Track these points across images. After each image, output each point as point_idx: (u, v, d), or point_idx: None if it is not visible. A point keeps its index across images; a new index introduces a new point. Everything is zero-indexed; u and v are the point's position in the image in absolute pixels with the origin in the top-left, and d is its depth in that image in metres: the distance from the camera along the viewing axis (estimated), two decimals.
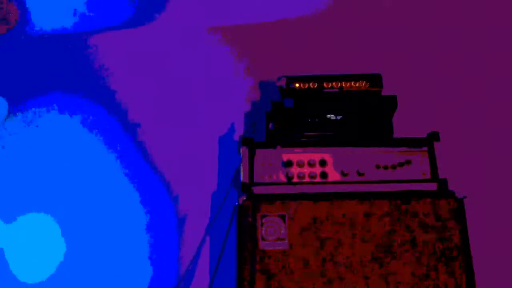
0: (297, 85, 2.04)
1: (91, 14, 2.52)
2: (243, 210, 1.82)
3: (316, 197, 1.83)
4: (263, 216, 1.81)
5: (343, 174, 1.89)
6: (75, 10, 2.52)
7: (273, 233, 1.79)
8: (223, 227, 2.00)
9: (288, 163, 1.91)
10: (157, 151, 2.27)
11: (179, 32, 2.48)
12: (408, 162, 1.90)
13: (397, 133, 1.98)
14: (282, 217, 1.81)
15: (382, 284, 1.73)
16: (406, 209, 1.80)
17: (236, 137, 2.26)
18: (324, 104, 2.02)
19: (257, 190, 1.86)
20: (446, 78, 2.30)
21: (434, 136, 1.91)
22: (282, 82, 2.04)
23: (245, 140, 1.93)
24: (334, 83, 2.03)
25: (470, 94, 2.26)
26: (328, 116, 2.01)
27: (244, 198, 1.83)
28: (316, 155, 1.92)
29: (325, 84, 2.03)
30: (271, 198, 1.83)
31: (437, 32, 2.39)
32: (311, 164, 1.90)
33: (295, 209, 1.81)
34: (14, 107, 2.40)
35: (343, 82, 2.03)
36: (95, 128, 2.34)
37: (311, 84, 2.03)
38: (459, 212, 1.79)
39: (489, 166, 2.13)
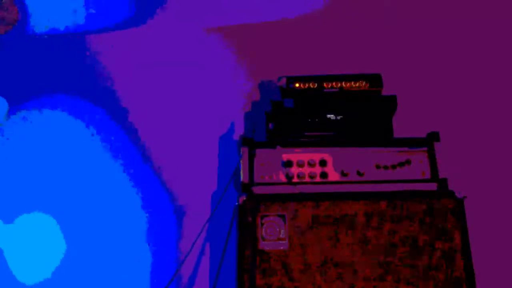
0: (297, 85, 2.03)
1: (91, 13, 2.52)
2: (243, 210, 1.82)
3: (316, 197, 1.83)
4: (263, 216, 1.81)
5: (343, 174, 1.89)
6: (74, 10, 2.52)
7: (273, 233, 1.79)
8: (222, 227, 2.00)
9: (288, 163, 1.91)
10: (157, 151, 2.27)
11: (179, 32, 2.48)
12: (408, 162, 1.90)
13: (397, 133, 1.98)
14: (282, 217, 1.81)
15: (382, 284, 1.73)
16: (406, 209, 1.80)
17: (236, 137, 2.26)
18: (324, 104, 2.02)
19: (257, 190, 1.86)
20: (446, 78, 2.30)
21: (434, 136, 1.91)
22: (282, 82, 2.04)
23: (245, 140, 1.93)
24: (334, 83, 2.03)
25: (470, 94, 2.26)
26: (328, 116, 2.01)
27: (244, 198, 1.83)
28: (316, 155, 1.92)
29: (325, 84, 2.03)
30: (271, 198, 1.83)
31: (437, 32, 2.39)
32: (311, 164, 1.90)
33: (295, 209, 1.82)
34: (14, 107, 2.40)
35: (343, 82, 2.03)
36: (95, 128, 2.34)
37: (311, 84, 2.03)
38: (459, 212, 1.79)
39: (489, 166, 2.13)
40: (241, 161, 1.90)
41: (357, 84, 2.02)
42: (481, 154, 2.15)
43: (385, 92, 2.03)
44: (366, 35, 2.40)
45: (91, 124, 2.35)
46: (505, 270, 1.97)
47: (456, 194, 1.82)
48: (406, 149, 1.91)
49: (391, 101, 2.01)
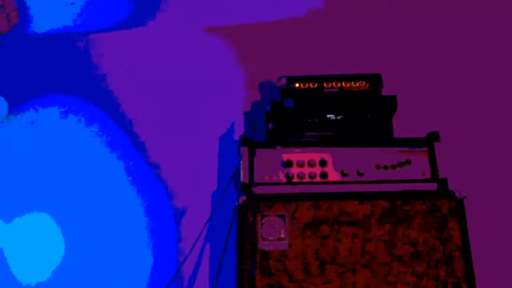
0: (297, 85, 2.04)
1: (91, 13, 2.52)
2: (243, 210, 1.82)
3: (316, 197, 1.83)
4: (263, 216, 1.81)
5: (343, 174, 1.89)
6: (74, 10, 2.53)
7: (273, 233, 1.79)
8: (222, 227, 2.00)
9: (288, 163, 1.91)
10: (157, 151, 2.27)
11: (179, 32, 2.48)
12: (408, 162, 1.90)
13: (397, 133, 1.98)
14: (282, 217, 1.81)
15: (382, 284, 1.73)
16: (406, 209, 1.80)
17: (236, 136, 2.26)
18: (324, 104, 2.02)
19: (257, 190, 1.86)
20: (446, 78, 2.30)
21: (434, 136, 1.91)
22: (282, 82, 2.04)
23: (245, 140, 1.93)
24: (334, 83, 2.03)
25: (470, 94, 2.26)
26: (328, 116, 2.01)
27: (244, 198, 1.83)
28: (316, 155, 1.92)
29: (325, 84, 2.04)
30: (271, 198, 1.83)
31: (437, 32, 2.39)
32: (311, 164, 1.90)
33: (295, 209, 1.82)
34: (14, 107, 2.40)
35: (343, 82, 2.03)
36: (95, 128, 2.34)
37: (311, 84, 2.04)
38: (459, 212, 1.79)
39: (489, 166, 2.13)
40: (241, 161, 1.90)
41: (357, 84, 2.02)
42: (481, 154, 2.15)
43: (385, 92, 2.03)
44: (366, 35, 2.40)
45: (91, 124, 2.35)
46: (505, 270, 1.97)
47: (456, 194, 1.82)
48: (406, 149, 1.91)
49: (391, 101, 2.01)
